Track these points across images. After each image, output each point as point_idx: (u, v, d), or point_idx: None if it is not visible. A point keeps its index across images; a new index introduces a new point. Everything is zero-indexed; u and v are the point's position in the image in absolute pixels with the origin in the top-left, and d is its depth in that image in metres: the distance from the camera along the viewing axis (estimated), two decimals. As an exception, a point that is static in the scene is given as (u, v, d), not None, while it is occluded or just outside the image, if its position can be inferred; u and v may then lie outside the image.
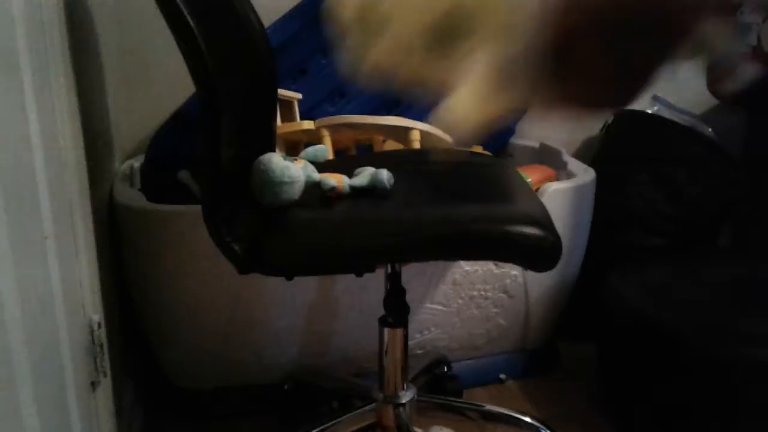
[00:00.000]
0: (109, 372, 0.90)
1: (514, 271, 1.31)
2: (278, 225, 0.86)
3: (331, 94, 1.41)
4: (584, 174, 1.38)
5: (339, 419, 1.15)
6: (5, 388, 0.50)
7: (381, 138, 1.41)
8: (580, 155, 1.76)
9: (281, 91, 1.29)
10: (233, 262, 0.84)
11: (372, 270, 0.94)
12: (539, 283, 1.34)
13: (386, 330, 1.10)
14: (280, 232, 0.86)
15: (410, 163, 1.12)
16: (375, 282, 1.24)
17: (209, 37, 0.77)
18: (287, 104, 1.34)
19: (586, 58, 0.27)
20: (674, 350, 1.12)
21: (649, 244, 1.53)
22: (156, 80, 1.53)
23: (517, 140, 1.67)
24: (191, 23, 0.74)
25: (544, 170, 1.46)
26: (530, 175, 1.39)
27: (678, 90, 1.66)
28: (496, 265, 1.30)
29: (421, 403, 1.20)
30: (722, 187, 1.55)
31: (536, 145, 1.63)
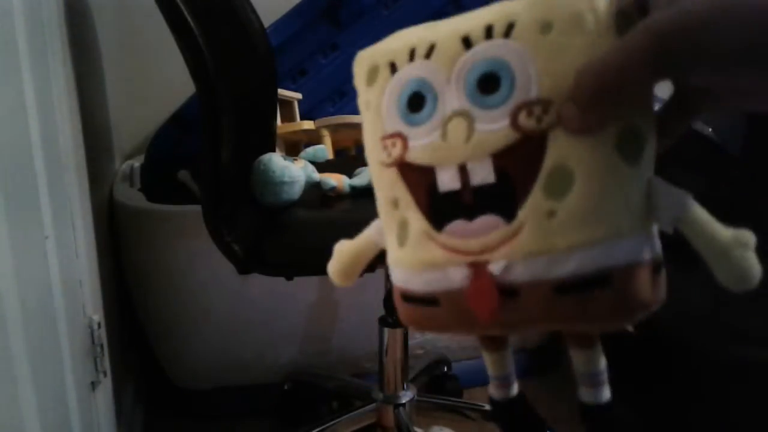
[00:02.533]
0: (109, 372, 0.89)
1: (514, 271, 1.31)
2: (278, 225, 0.86)
3: (331, 94, 1.41)
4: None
5: (339, 419, 1.15)
6: (6, 388, 0.50)
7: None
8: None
9: (281, 91, 1.29)
10: (233, 262, 0.84)
11: (372, 270, 0.94)
12: (539, 283, 1.34)
13: (386, 330, 1.10)
14: (280, 232, 0.86)
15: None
16: (375, 282, 1.24)
17: (209, 37, 0.77)
18: (287, 104, 1.34)
19: None
20: (674, 350, 1.12)
21: (649, 244, 1.53)
22: (156, 80, 1.53)
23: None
24: (191, 23, 0.74)
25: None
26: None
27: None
28: (496, 265, 1.29)
29: (421, 403, 1.20)
30: (722, 187, 1.55)
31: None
